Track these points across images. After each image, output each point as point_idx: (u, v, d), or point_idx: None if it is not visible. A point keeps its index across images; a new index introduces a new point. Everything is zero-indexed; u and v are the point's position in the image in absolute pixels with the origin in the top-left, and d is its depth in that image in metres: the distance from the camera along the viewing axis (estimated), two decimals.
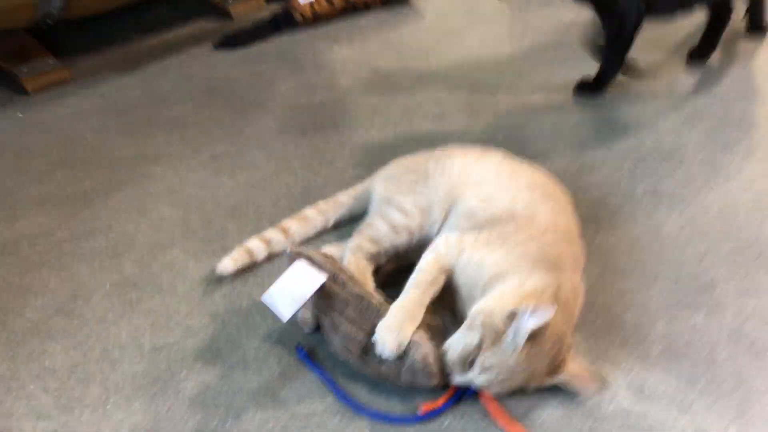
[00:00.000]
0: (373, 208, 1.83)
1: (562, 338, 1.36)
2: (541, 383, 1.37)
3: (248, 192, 2.13)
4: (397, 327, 1.42)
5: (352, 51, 2.97)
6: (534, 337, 1.30)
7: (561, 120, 2.35)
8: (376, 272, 1.68)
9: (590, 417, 1.37)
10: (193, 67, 2.93)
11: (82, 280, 1.85)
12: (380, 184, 1.87)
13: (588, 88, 2.45)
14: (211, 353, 1.59)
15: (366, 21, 3.19)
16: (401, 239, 1.69)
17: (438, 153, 1.84)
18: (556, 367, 1.36)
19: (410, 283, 1.51)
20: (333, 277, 1.49)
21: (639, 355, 1.48)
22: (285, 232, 1.87)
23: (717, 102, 2.35)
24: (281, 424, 1.42)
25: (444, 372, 1.41)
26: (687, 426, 1.34)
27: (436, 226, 1.70)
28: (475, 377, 1.35)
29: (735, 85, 2.45)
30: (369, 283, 1.64)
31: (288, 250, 1.57)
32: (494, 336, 1.33)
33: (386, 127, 2.41)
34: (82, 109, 2.68)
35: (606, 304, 1.60)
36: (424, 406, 1.41)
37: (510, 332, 1.32)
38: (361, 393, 1.46)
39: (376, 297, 1.51)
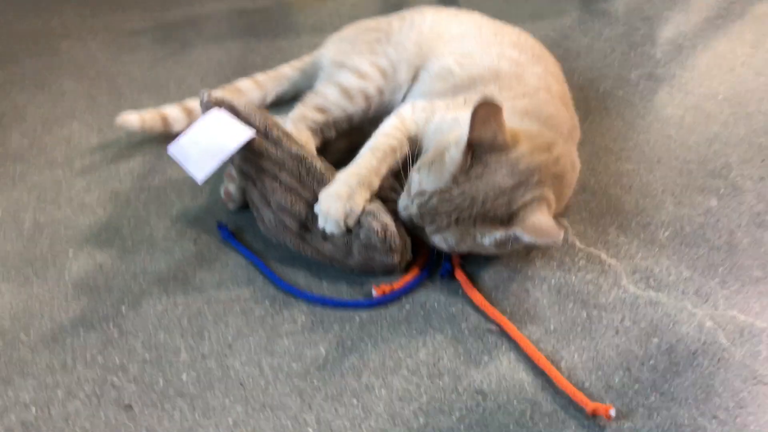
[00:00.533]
0: (322, 76, 1.49)
1: (533, 180, 1.03)
2: (491, 232, 1.03)
3: (170, 67, 1.78)
4: (345, 194, 1.09)
5: None
6: (481, 156, 1.01)
7: (539, 5, 2.04)
8: (324, 150, 1.35)
9: (587, 305, 1.08)
10: None
11: None
12: (331, 46, 1.53)
13: None
14: (109, 232, 1.25)
15: None
16: (355, 106, 1.36)
17: (405, 11, 1.51)
18: (511, 214, 1.02)
19: (365, 148, 1.18)
20: (264, 132, 1.15)
21: (643, 240, 1.19)
22: (238, 95, 1.52)
23: None
24: (193, 309, 1.09)
25: (406, 249, 1.11)
26: (705, 318, 1.05)
27: (401, 92, 1.38)
28: (411, 204, 1.07)
29: None
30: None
31: (205, 96, 1.20)
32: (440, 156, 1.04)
33: (341, 9, 2.06)
34: None
35: (601, 185, 1.31)
36: (379, 288, 1.08)
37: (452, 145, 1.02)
38: (297, 278, 1.13)
39: (320, 160, 1.16)
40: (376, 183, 1.14)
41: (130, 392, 0.97)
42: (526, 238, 0.99)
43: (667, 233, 1.21)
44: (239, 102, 1.18)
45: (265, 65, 1.68)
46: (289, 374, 0.99)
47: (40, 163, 1.45)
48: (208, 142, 1.13)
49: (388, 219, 1.08)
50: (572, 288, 1.11)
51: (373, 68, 1.37)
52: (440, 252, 1.12)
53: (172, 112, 1.47)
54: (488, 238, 1.03)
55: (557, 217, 1.14)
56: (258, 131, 1.15)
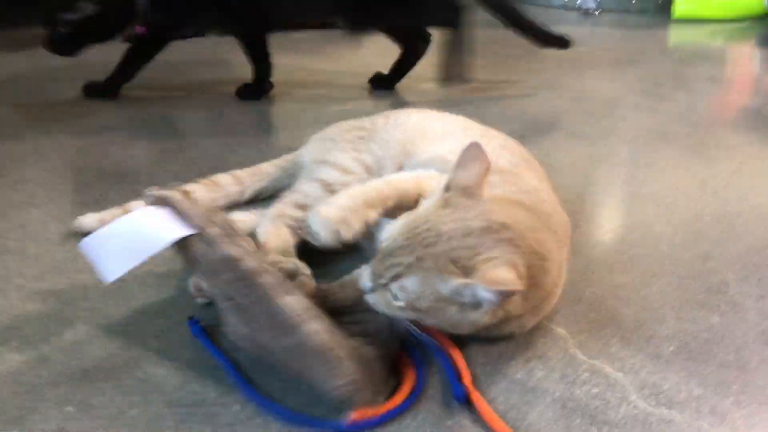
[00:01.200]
0: (303, 174, 1.43)
1: (505, 234, 0.96)
2: (451, 278, 0.93)
3: (142, 162, 1.70)
4: (338, 218, 1.02)
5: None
6: (455, 199, 0.98)
7: (519, 128, 2.05)
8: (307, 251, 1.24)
9: (595, 420, 0.97)
10: None
11: None
12: (313, 145, 1.48)
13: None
14: (62, 323, 1.12)
15: None
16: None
17: (388, 111, 1.48)
18: (474, 264, 0.93)
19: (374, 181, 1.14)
20: (200, 234, 1.00)
21: (648, 354, 1.11)
22: (185, 195, 1.42)
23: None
24: (151, 412, 0.95)
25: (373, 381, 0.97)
26: None
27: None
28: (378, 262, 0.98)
29: None
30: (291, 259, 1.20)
31: (148, 192, 1.07)
32: None
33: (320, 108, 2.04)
34: None
35: (598, 297, 1.24)
36: (355, 414, 0.93)
37: None
38: (274, 384, 1.00)
39: (274, 265, 1.04)
40: (376, 209, 1.07)
41: None
42: (481, 290, 0.90)
43: (671, 348, 1.13)
44: (182, 200, 1.05)
45: (243, 164, 1.61)
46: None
47: None
48: (129, 240, 1.00)
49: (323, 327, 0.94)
50: (578, 402, 1.01)
51: (356, 163, 1.32)
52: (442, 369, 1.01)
53: (136, 206, 1.37)
54: (447, 286, 0.93)
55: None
56: (197, 230, 1.00)
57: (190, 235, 0.98)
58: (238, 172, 1.50)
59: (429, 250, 0.94)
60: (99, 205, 1.48)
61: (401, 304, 0.96)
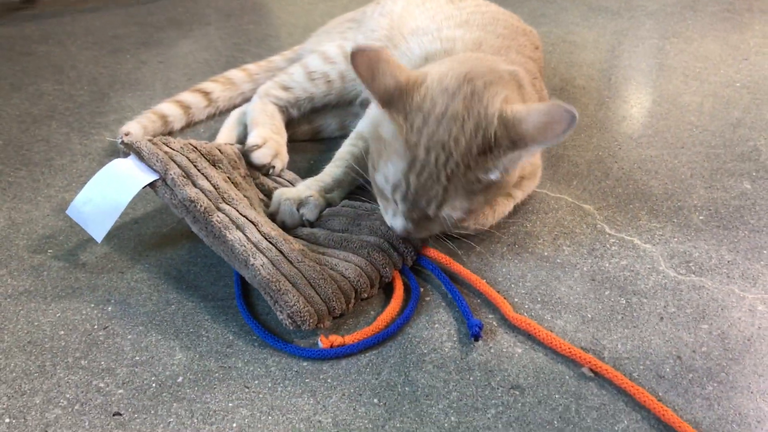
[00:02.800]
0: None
1: (479, 82, 0.91)
2: (496, 160, 0.90)
3: (155, 68, 1.68)
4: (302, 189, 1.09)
5: None
6: (407, 107, 0.92)
7: (539, 5, 1.97)
8: (289, 132, 1.30)
9: (625, 291, 0.97)
10: None
11: None
12: (312, 38, 1.46)
13: None
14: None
15: None
16: (317, 89, 1.32)
17: None
18: (493, 130, 0.90)
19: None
20: (163, 177, 1.01)
21: (677, 224, 1.09)
22: (206, 95, 1.42)
23: None
24: (188, 307, 0.99)
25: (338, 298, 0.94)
26: (756, 302, 0.95)
27: None
28: (398, 207, 0.96)
29: None
30: (279, 131, 1.26)
31: (120, 139, 1.06)
32: None
33: (334, 8, 1.98)
34: None
35: (625, 171, 1.22)
36: (327, 340, 0.90)
37: None
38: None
39: (222, 204, 1.01)
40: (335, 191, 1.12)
41: (119, 398, 0.85)
42: (536, 147, 0.87)
43: (701, 217, 1.12)
44: (145, 145, 1.03)
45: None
46: (299, 372, 0.87)
47: (15, 162, 1.33)
48: (103, 199, 1.02)
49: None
50: (607, 275, 1.01)
51: (338, 51, 1.31)
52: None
53: (166, 108, 1.39)
54: (494, 173, 0.90)
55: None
56: (160, 176, 1.01)
57: (155, 181, 1.00)
58: (250, 66, 1.49)
59: (450, 165, 0.90)
60: (117, 113, 1.48)
61: (458, 215, 0.93)
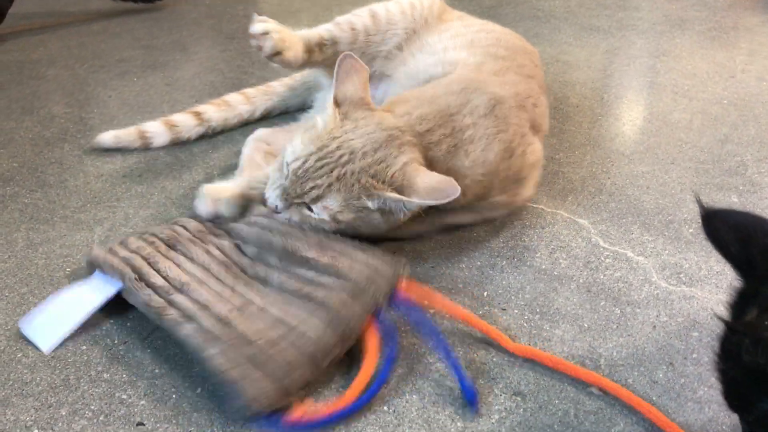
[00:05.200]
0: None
1: (395, 142, 1.03)
2: (378, 192, 1.01)
3: (162, 90, 1.73)
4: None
5: None
6: (350, 113, 1.06)
7: (534, 25, 2.04)
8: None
9: (619, 302, 1.03)
10: None
11: None
12: None
13: None
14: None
15: None
16: (341, 32, 1.37)
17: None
18: (392, 177, 1.02)
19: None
20: (138, 279, 1.02)
21: (668, 237, 1.15)
22: (197, 115, 1.48)
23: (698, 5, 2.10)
24: None
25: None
26: None
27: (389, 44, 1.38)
28: (285, 177, 1.05)
29: None
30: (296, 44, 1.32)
31: (91, 254, 1.08)
32: None
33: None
34: None
35: (618, 187, 1.28)
36: (293, 416, 0.84)
37: None
38: None
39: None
40: None
41: (141, 408, 0.89)
42: (418, 201, 0.99)
43: (691, 230, 1.18)
44: (102, 259, 1.06)
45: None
46: (311, 382, 0.92)
47: (31, 184, 1.38)
48: (62, 311, 1.03)
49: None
50: (602, 286, 1.06)
51: (365, 10, 1.39)
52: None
53: (151, 126, 1.46)
54: (374, 201, 1.00)
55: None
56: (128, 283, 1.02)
57: (121, 290, 1.02)
58: (248, 90, 1.54)
59: (348, 168, 1.00)
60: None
61: (324, 217, 1.02)
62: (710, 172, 1.32)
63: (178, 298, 0.98)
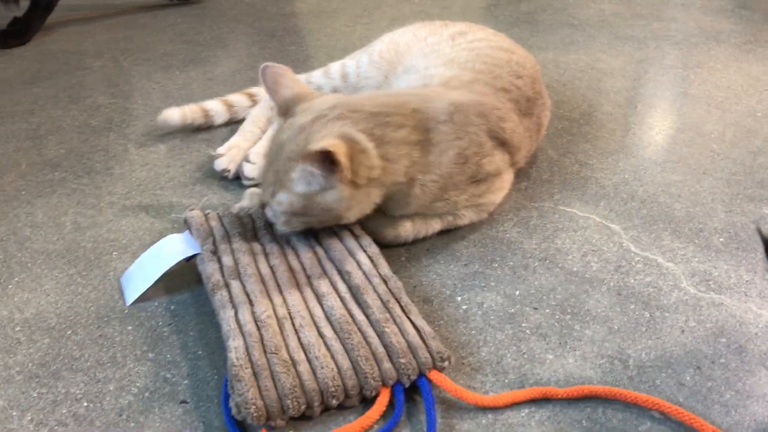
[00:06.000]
0: None
1: (333, 113, 1.07)
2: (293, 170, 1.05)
3: (204, 84, 1.78)
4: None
5: None
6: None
7: (569, 33, 2.06)
8: None
9: (649, 306, 1.05)
10: None
11: None
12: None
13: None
14: (153, 235, 1.24)
15: None
16: (332, 81, 1.48)
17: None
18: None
19: None
20: (213, 250, 1.09)
21: (699, 245, 1.17)
22: (251, 97, 1.54)
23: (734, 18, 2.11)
24: None
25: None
26: None
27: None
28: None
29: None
30: (252, 138, 1.44)
31: (189, 214, 1.18)
32: None
33: (371, 31, 2.08)
34: None
35: (650, 194, 1.30)
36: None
37: None
38: None
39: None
40: None
41: (184, 387, 0.94)
42: (301, 169, 1.01)
43: (722, 239, 1.20)
44: (195, 220, 1.15)
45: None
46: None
47: (78, 170, 1.43)
48: (148, 265, 1.11)
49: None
50: (632, 290, 1.09)
51: (337, 69, 1.50)
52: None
53: (211, 104, 1.52)
54: (291, 183, 1.03)
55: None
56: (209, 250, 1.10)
57: (193, 255, 1.10)
58: (254, 90, 1.61)
59: (277, 161, 1.05)
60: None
61: (284, 218, 1.07)
62: (742, 183, 1.34)
63: (235, 283, 1.03)
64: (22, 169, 1.44)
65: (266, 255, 1.09)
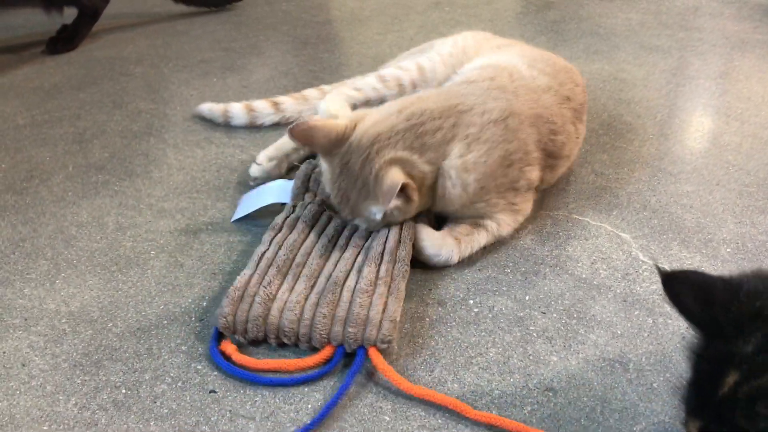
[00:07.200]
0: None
1: (373, 149, 1.17)
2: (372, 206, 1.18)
3: (239, 91, 1.87)
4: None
5: None
6: (336, 155, 1.21)
7: (594, 42, 2.10)
8: None
9: (652, 312, 1.10)
10: None
11: (41, 162, 1.58)
12: (383, 67, 1.64)
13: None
14: (188, 235, 1.32)
15: None
16: (388, 90, 1.51)
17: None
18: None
19: None
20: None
21: (706, 255, 1.22)
22: (275, 105, 1.62)
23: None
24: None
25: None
26: None
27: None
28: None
29: None
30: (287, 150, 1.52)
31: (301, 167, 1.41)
32: None
33: (402, 39, 2.15)
34: None
35: (662, 204, 1.35)
36: (227, 347, 1.06)
37: None
38: None
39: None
40: None
41: (213, 378, 1.02)
42: (380, 204, 1.13)
43: (729, 249, 1.24)
44: (303, 172, 1.38)
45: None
46: (366, 368, 1.03)
47: (120, 173, 1.53)
48: (254, 197, 1.37)
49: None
50: (637, 297, 1.14)
51: (412, 63, 1.51)
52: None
53: (260, 104, 1.62)
54: (374, 215, 1.17)
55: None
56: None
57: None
58: (324, 87, 1.68)
59: (349, 191, 1.19)
60: (207, 132, 1.67)
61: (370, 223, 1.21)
62: (754, 195, 1.38)
63: (285, 231, 1.21)
64: (69, 171, 1.54)
65: (318, 234, 1.22)
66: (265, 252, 1.15)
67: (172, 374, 1.03)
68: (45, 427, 0.94)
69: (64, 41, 2.21)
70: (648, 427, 0.92)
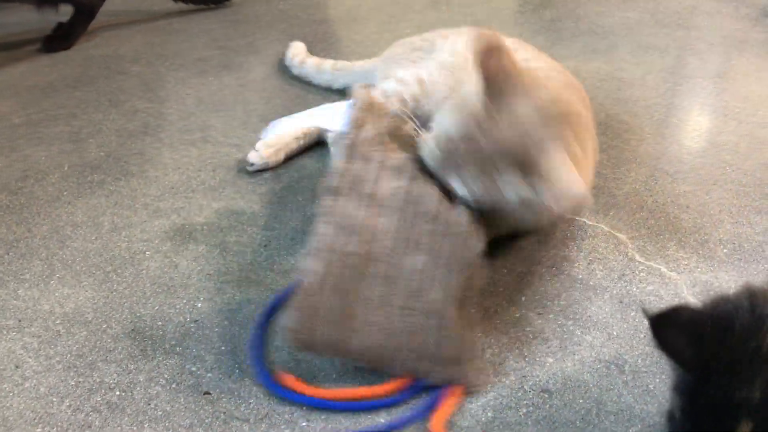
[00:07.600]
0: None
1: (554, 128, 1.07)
2: (515, 183, 1.06)
3: (236, 90, 1.87)
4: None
5: None
6: (501, 99, 1.04)
7: (592, 41, 2.10)
8: None
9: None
10: None
11: (36, 162, 1.57)
12: (382, 65, 1.63)
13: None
14: (183, 236, 1.31)
15: None
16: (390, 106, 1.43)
17: (446, 30, 1.58)
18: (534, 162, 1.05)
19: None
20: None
21: (702, 256, 1.22)
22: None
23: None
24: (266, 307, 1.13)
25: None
26: None
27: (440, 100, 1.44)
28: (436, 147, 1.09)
29: None
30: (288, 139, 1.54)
31: (358, 92, 1.19)
32: None
33: (397, 39, 2.14)
34: None
35: (659, 204, 1.34)
36: (287, 379, 1.01)
37: None
38: None
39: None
40: None
41: (208, 380, 1.01)
42: (548, 196, 1.02)
43: (725, 250, 1.24)
44: (360, 103, 1.15)
45: (327, 89, 1.77)
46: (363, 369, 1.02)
47: (116, 172, 1.52)
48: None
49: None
50: (634, 298, 1.14)
51: (411, 77, 1.44)
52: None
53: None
54: (511, 192, 1.05)
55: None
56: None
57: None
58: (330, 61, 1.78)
59: (491, 158, 1.05)
60: (203, 132, 1.67)
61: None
62: (751, 194, 1.38)
63: (344, 199, 1.01)
64: (65, 170, 1.54)
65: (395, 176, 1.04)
66: (330, 235, 0.98)
67: (166, 376, 1.02)
68: (38, 430, 0.94)
69: (60, 39, 2.21)
70: (643, 429, 0.92)
